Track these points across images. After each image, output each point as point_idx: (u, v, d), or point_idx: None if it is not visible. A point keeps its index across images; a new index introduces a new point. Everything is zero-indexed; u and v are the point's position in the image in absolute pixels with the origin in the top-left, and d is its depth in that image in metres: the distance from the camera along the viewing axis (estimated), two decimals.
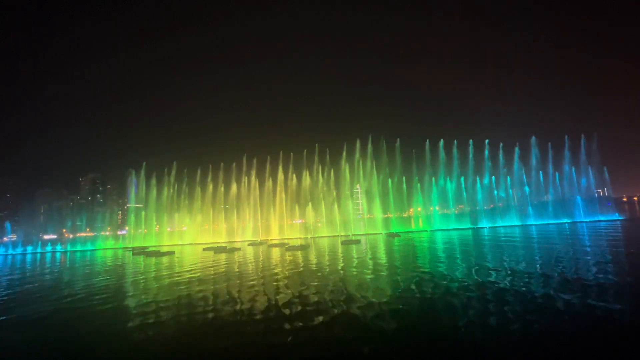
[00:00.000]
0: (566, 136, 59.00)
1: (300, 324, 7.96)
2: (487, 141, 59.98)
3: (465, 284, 11.34)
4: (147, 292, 13.60)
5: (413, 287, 11.51)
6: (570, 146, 58.24)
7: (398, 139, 61.63)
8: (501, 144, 59.88)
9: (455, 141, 60.41)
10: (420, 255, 20.97)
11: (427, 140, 60.83)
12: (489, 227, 51.43)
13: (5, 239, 67.41)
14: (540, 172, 57.93)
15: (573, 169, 57.17)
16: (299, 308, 9.33)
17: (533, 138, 59.06)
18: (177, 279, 16.45)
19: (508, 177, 58.77)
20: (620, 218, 53.23)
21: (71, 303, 12.12)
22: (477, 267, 14.65)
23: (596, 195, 57.87)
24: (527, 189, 57.11)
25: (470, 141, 60.41)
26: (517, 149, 59.13)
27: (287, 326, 7.81)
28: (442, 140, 60.12)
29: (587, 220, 52.34)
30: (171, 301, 11.26)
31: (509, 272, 13.02)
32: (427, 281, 12.20)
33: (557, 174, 57.62)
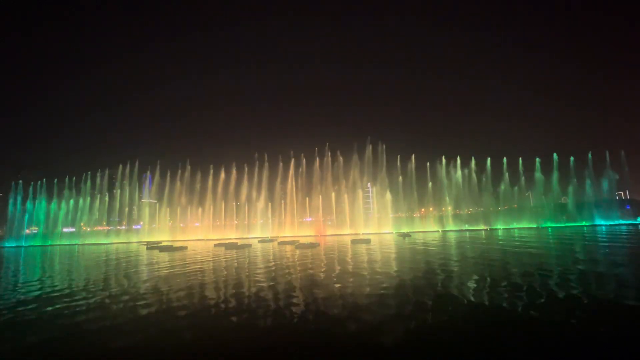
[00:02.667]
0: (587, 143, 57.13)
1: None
2: (504, 159, 58.66)
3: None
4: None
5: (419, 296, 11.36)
6: (593, 150, 56.33)
7: (411, 130, 61.01)
8: (520, 157, 58.53)
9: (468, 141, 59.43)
10: (432, 260, 20.65)
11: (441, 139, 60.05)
12: (503, 229, 50.25)
13: (27, 231, 70.02)
14: (557, 173, 56.42)
15: (592, 171, 55.39)
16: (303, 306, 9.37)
17: (555, 155, 56.78)
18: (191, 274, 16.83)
19: (524, 178, 57.46)
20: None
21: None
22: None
23: (616, 198, 55.84)
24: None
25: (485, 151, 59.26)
26: (537, 160, 57.48)
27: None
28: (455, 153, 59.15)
29: (606, 223, 50.57)
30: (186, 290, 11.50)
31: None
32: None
33: (575, 176, 55.89)
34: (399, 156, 60.31)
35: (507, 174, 57.60)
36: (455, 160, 58.10)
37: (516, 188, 57.08)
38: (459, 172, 57.78)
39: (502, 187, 57.31)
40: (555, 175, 56.21)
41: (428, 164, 59.70)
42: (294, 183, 64.02)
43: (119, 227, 70.71)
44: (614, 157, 54.77)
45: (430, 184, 58.63)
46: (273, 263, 20.10)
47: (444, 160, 58.64)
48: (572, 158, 56.30)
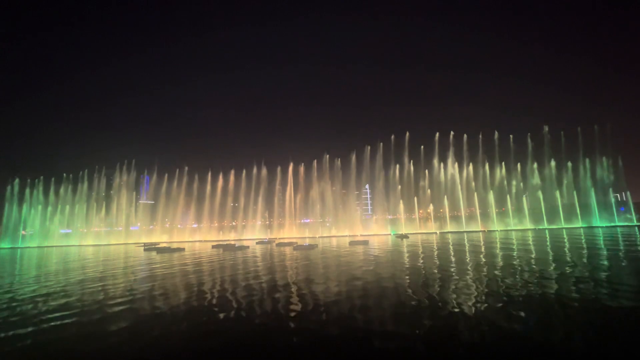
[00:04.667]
0: (580, 130, 57.59)
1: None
2: (496, 134, 59.08)
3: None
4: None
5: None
6: (587, 149, 56.81)
7: (407, 132, 61.26)
8: (513, 145, 58.84)
9: (465, 135, 59.55)
10: (431, 260, 20.64)
11: (437, 134, 60.31)
12: (500, 231, 50.39)
13: (23, 232, 69.47)
14: (555, 175, 56.74)
15: (589, 172, 55.75)
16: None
17: (545, 127, 57.91)
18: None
19: (521, 181, 57.65)
20: (637, 224, 51.44)
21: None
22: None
23: (613, 199, 56.08)
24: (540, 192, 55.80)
25: (480, 136, 59.57)
26: (529, 142, 57.95)
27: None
28: (451, 132, 59.33)
29: (603, 225, 50.82)
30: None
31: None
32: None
33: (573, 177, 56.22)
34: (397, 157, 60.46)
35: (504, 177, 57.89)
36: (452, 161, 58.59)
37: (511, 190, 57.37)
38: (457, 174, 58.12)
39: (499, 188, 57.59)
40: (552, 178, 56.62)
41: (423, 156, 60.14)
42: (292, 184, 64.01)
43: (116, 228, 70.30)
44: (612, 160, 55.37)
45: (426, 182, 58.76)
46: (269, 265, 20.05)
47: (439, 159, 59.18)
48: (569, 164, 56.93)
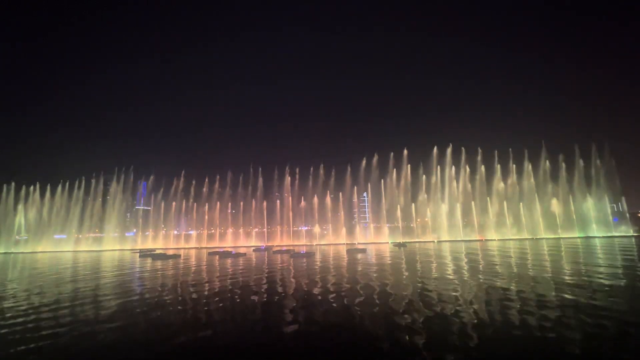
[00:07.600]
0: (576, 145, 58.18)
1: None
2: (495, 152, 59.58)
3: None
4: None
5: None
6: (583, 158, 57.27)
7: (405, 148, 61.41)
8: (511, 154, 59.27)
9: (462, 148, 59.83)
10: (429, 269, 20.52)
11: (435, 147, 60.54)
12: (498, 240, 50.33)
13: (17, 237, 68.51)
14: (551, 184, 56.99)
15: (584, 181, 56.14)
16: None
17: (542, 142, 58.52)
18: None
19: (517, 189, 57.80)
20: (634, 234, 51.62)
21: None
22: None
23: (609, 209, 56.32)
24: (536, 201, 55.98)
25: (479, 149, 59.88)
26: (527, 159, 58.29)
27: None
28: (450, 146, 59.66)
29: (600, 235, 50.93)
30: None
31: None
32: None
33: (568, 187, 56.53)
34: (395, 164, 60.61)
35: (501, 187, 58.09)
36: (450, 169, 58.88)
37: (510, 199, 57.49)
38: (455, 183, 58.35)
39: (496, 198, 57.68)
40: (549, 187, 56.92)
41: (421, 164, 60.28)
42: (289, 191, 63.87)
43: (111, 234, 69.51)
44: (608, 169, 55.80)
45: (425, 195, 58.77)
46: (266, 272, 19.86)
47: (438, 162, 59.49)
48: (563, 163, 57.50)
